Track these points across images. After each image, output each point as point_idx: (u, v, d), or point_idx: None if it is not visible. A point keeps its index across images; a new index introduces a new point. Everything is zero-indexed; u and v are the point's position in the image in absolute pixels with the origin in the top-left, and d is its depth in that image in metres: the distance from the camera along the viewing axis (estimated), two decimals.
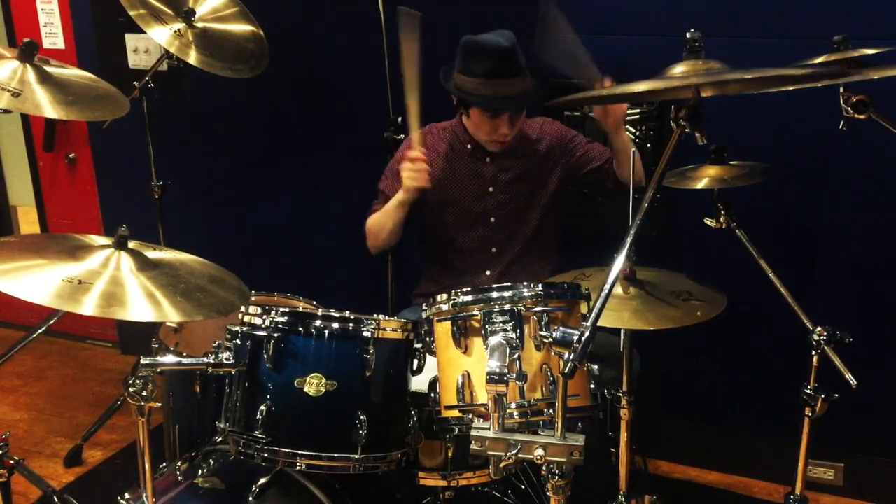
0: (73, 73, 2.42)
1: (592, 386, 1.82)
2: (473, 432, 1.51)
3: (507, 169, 2.65)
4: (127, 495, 1.94)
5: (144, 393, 1.70)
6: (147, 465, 1.76)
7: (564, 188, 2.69)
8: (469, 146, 2.65)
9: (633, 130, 2.87)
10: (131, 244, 1.81)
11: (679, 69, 1.76)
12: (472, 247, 2.68)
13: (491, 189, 2.65)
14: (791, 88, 1.81)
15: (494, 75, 2.41)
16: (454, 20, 2.64)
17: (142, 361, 1.72)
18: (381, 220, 2.63)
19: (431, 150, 2.65)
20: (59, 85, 2.28)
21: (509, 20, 2.51)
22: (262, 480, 1.96)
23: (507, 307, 1.75)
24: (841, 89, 1.95)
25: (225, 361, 1.85)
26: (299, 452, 1.83)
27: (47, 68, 2.32)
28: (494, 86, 2.43)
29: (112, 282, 1.69)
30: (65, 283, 1.64)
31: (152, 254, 1.86)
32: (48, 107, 2.21)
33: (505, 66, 2.42)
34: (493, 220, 2.66)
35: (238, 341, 1.87)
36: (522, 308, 1.74)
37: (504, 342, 1.67)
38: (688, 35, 1.80)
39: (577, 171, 2.68)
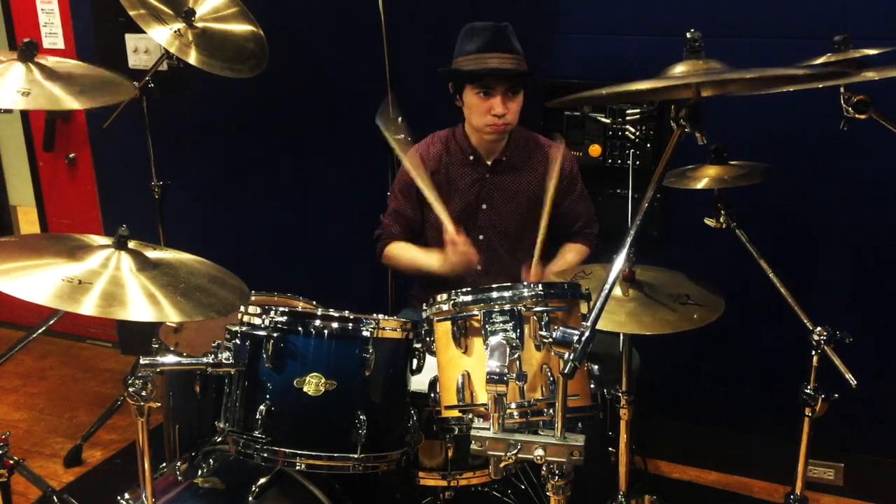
0: (70, 63, 2.44)
1: (592, 386, 1.81)
2: (473, 432, 1.51)
3: (504, 187, 2.61)
4: (127, 495, 1.93)
5: (144, 393, 1.70)
6: (147, 465, 1.76)
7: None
8: (471, 157, 2.61)
9: (634, 130, 2.87)
10: (131, 244, 1.81)
11: (679, 69, 1.76)
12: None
13: (484, 206, 2.62)
14: (791, 89, 1.81)
15: (486, 48, 2.42)
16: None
17: (141, 361, 1.72)
18: (406, 264, 2.64)
19: (432, 159, 2.63)
20: (64, 78, 2.29)
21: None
22: (262, 480, 1.96)
23: (507, 307, 1.75)
24: (841, 89, 1.95)
25: (224, 361, 1.84)
26: (299, 452, 1.83)
27: (48, 64, 2.32)
28: (486, 59, 2.42)
29: (112, 282, 1.69)
30: (65, 283, 1.63)
31: (152, 254, 1.86)
32: (64, 98, 2.22)
33: (497, 40, 2.43)
34: (481, 237, 2.62)
35: (238, 341, 1.87)
36: (522, 308, 1.74)
37: (504, 342, 1.67)
38: (688, 35, 1.80)
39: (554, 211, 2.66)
